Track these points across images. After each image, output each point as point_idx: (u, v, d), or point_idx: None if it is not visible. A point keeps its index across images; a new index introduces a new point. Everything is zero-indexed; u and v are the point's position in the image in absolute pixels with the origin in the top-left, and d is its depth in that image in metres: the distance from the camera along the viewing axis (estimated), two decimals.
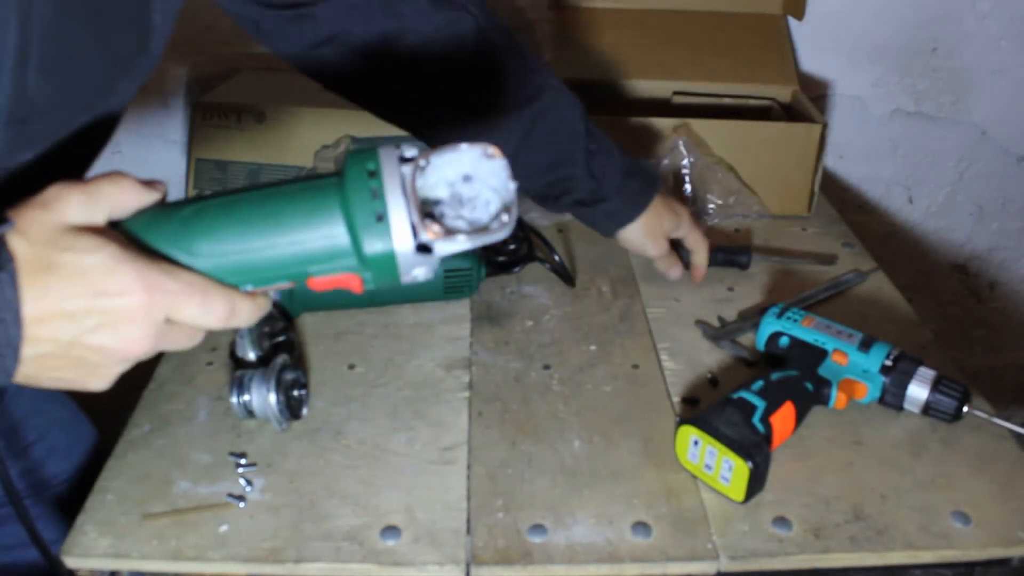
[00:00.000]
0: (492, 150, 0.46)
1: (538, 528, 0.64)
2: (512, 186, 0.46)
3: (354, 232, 0.45)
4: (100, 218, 0.44)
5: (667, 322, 0.89)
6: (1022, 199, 1.41)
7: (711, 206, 1.05)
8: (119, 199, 0.45)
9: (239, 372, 0.73)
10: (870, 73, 1.30)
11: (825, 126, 1.04)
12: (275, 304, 0.83)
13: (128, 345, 0.43)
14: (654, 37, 1.21)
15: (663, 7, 1.22)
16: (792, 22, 1.24)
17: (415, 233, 0.44)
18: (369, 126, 1.07)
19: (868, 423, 0.74)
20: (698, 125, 1.06)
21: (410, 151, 0.45)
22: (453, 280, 0.88)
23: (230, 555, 0.62)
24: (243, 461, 0.69)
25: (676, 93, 1.18)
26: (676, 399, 0.78)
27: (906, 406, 0.74)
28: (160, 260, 0.44)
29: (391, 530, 0.63)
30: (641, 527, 0.64)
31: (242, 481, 0.68)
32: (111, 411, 0.80)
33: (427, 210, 0.45)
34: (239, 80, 1.21)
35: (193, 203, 0.47)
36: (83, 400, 0.85)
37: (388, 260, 0.45)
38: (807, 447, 0.72)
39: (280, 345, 0.80)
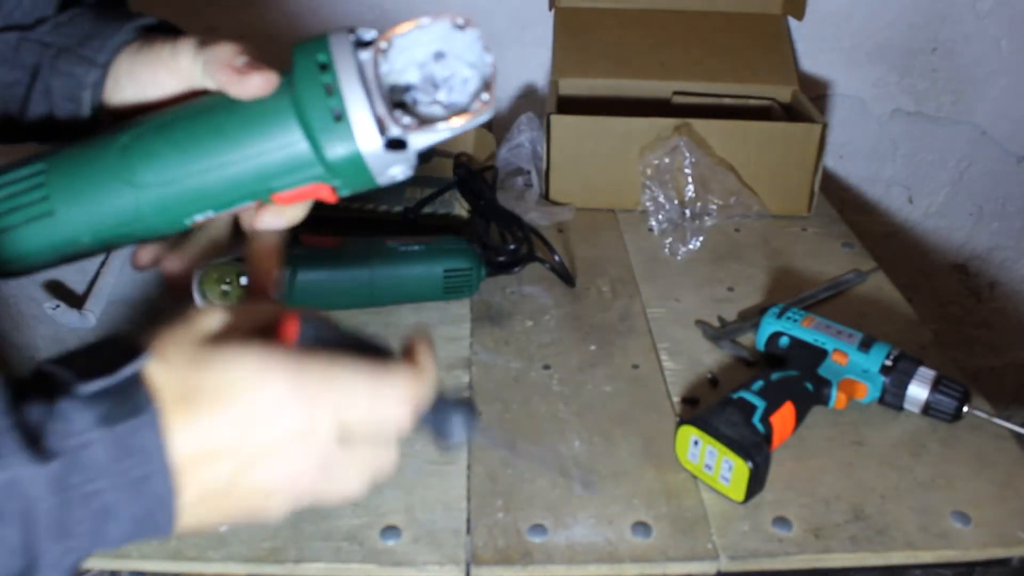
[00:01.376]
0: (461, 19, 0.40)
1: (538, 528, 0.64)
2: (489, 59, 0.40)
3: (312, 137, 0.39)
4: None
5: (667, 322, 0.89)
6: (1022, 199, 1.41)
7: (712, 206, 1.05)
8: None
9: None
10: (870, 73, 1.30)
11: (825, 126, 1.04)
12: None
13: (293, 478, 0.36)
14: (654, 37, 1.21)
15: (663, 7, 1.22)
16: (792, 22, 1.24)
17: (382, 129, 0.39)
18: None
19: (868, 423, 0.74)
20: (698, 125, 1.06)
21: (368, 33, 0.40)
22: (453, 280, 0.88)
23: (230, 555, 0.62)
24: None
25: (676, 93, 1.18)
26: (676, 399, 0.78)
27: (906, 406, 0.74)
28: (315, 355, 0.36)
29: (391, 530, 0.63)
30: (641, 527, 0.64)
31: None
32: None
33: (397, 99, 0.40)
34: None
35: (132, 127, 0.41)
36: None
37: (356, 163, 0.39)
38: (807, 447, 0.72)
39: None
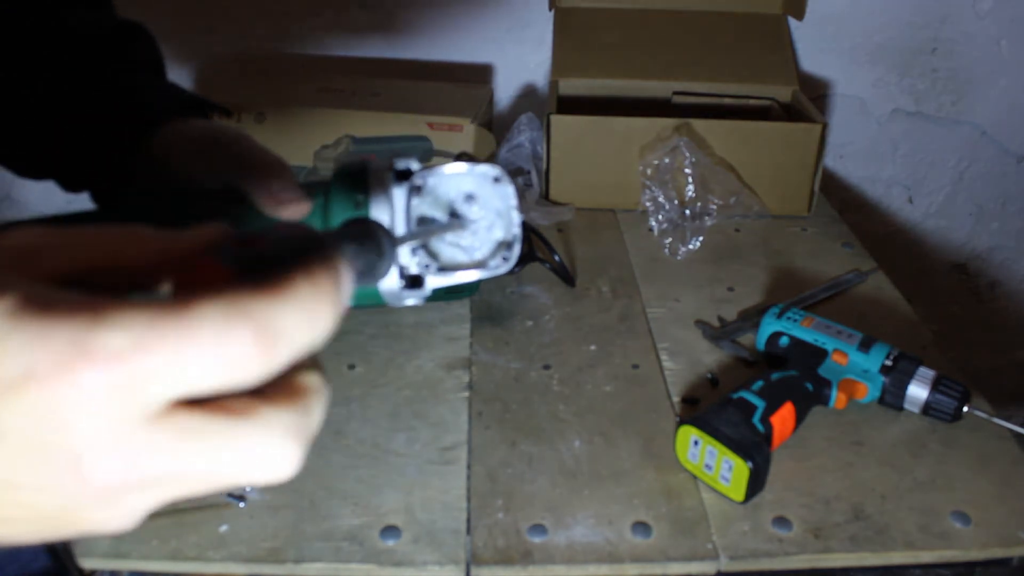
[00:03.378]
0: (499, 172, 0.42)
1: (538, 528, 0.64)
2: (518, 219, 0.42)
3: None
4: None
5: (667, 322, 0.89)
6: (1022, 199, 1.41)
7: (712, 206, 1.05)
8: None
9: None
10: (870, 73, 1.30)
11: (825, 126, 1.04)
12: None
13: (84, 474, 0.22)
14: (654, 37, 1.21)
15: (663, 7, 1.22)
16: (792, 22, 1.24)
17: (402, 271, 0.41)
18: (369, 127, 1.07)
19: (868, 423, 0.74)
20: (698, 125, 1.06)
21: (404, 163, 0.41)
22: None
23: (230, 555, 0.62)
24: None
25: (676, 93, 1.18)
26: (676, 399, 0.78)
27: (906, 406, 0.74)
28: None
29: (391, 530, 0.63)
30: (641, 527, 0.64)
31: None
32: None
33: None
34: (239, 81, 1.21)
35: None
36: None
37: (371, 293, 0.41)
38: (807, 447, 0.72)
39: None
